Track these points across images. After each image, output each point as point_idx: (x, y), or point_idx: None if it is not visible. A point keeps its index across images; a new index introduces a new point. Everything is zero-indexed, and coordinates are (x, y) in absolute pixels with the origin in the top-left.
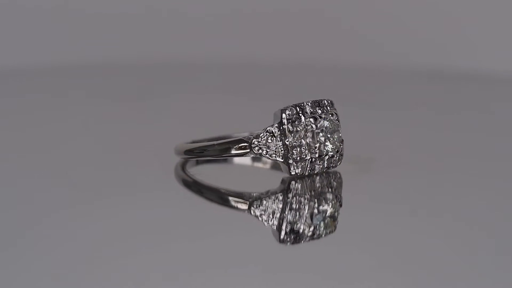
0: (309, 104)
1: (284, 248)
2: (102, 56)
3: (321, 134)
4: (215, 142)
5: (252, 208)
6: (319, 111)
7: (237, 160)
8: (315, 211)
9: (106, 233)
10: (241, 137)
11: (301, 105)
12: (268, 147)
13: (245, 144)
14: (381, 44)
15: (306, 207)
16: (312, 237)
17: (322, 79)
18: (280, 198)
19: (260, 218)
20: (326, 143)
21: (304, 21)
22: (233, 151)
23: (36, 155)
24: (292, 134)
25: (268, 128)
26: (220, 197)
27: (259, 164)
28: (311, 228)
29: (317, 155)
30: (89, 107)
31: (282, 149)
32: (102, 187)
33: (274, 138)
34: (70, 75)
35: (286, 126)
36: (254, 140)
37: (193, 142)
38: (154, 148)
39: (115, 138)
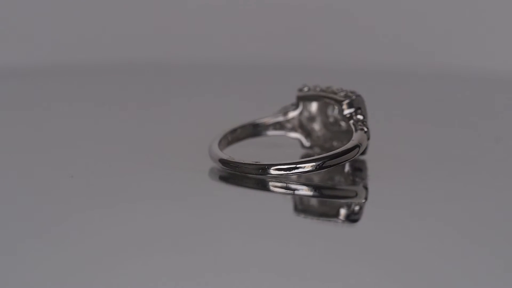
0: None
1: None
2: (111, 57)
3: None
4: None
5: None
6: None
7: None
8: None
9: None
10: (356, 143)
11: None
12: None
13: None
14: (381, 44)
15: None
16: None
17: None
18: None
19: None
20: None
21: (303, 21)
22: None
23: (51, 155)
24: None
25: (358, 118)
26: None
27: None
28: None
29: None
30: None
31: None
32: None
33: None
34: (74, 75)
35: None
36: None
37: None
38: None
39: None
